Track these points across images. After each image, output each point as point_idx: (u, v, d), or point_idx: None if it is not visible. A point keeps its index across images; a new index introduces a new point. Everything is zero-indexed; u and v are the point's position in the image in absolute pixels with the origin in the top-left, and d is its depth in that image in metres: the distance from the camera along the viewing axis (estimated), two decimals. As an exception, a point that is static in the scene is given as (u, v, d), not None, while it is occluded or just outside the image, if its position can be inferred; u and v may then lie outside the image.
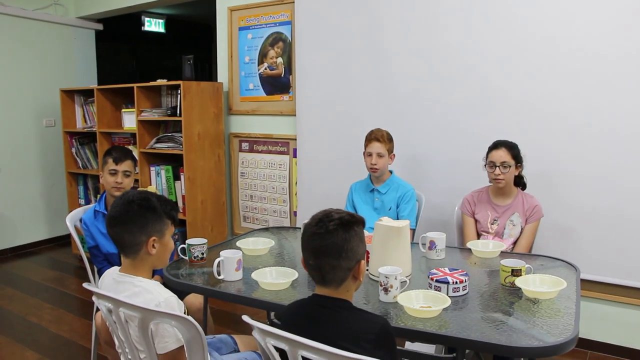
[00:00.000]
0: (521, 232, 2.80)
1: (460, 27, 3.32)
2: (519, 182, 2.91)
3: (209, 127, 4.29)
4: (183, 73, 4.33)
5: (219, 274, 2.16)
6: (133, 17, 6.90)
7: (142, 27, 7.81)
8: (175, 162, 4.30)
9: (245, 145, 4.49)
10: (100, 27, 6.09)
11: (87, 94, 5.07)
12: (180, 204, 4.23)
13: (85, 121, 5.06)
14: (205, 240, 2.41)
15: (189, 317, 1.57)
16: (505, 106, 3.22)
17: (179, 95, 4.13)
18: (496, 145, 2.81)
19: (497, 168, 2.75)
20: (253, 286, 2.08)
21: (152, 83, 4.35)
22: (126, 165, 2.84)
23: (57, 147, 5.40)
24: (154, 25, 7.97)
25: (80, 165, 5.06)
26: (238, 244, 2.59)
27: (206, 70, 8.24)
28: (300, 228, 2.95)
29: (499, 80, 3.23)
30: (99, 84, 5.71)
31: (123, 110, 4.60)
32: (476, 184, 3.02)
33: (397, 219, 2.99)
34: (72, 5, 5.81)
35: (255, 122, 4.42)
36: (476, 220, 2.91)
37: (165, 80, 4.32)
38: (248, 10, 4.34)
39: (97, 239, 2.75)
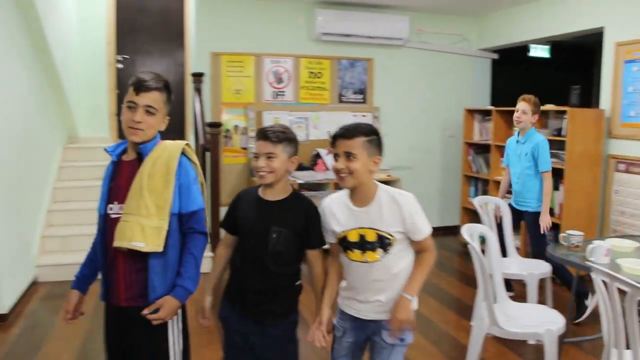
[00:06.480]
0: None
1: None
2: None
3: (588, 148, 4.98)
4: (570, 100, 5.12)
5: (590, 256, 2.98)
6: (521, 44, 7.86)
7: (527, 53, 8.73)
8: (556, 175, 5.11)
9: (621, 167, 5.03)
10: (495, 56, 7.25)
11: (483, 112, 6.29)
12: (557, 210, 5.06)
13: (481, 135, 6.28)
14: (582, 233, 3.25)
15: None
16: None
17: (564, 120, 4.95)
18: None
19: None
20: (615, 269, 2.83)
21: (541, 108, 5.25)
22: (149, 99, 2.06)
23: (456, 154, 6.81)
24: (539, 51, 8.81)
25: (474, 169, 6.32)
26: (606, 240, 3.33)
27: (588, 93, 8.69)
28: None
29: None
30: (492, 105, 6.88)
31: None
32: None
33: (534, 162, 4.18)
34: (475, 40, 7.10)
35: (634, 147, 4.93)
36: None
37: (552, 106, 5.19)
38: (635, 45, 4.87)
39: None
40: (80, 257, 2.30)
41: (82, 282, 2.24)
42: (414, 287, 2.09)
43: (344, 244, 2.13)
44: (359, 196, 2.10)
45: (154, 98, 2.05)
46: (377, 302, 2.13)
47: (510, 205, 4.35)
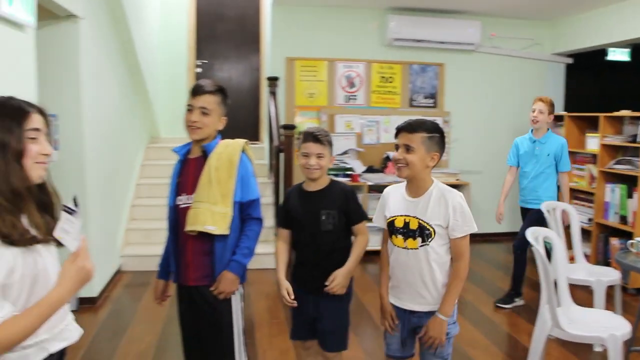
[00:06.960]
0: None
1: None
2: None
3: (666, 155, 4.86)
4: (647, 106, 5.00)
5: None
6: (598, 48, 7.67)
7: (605, 57, 8.48)
8: (630, 182, 5.02)
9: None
10: (570, 61, 7.11)
11: (555, 118, 6.16)
12: (630, 219, 4.95)
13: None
14: (648, 240, 3.24)
15: None
16: None
17: (639, 126, 4.85)
18: None
19: None
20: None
21: (615, 113, 5.17)
22: (203, 101, 2.34)
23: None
24: (618, 54, 8.53)
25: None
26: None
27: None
28: None
29: None
30: (565, 110, 6.77)
31: (587, 133, 5.56)
32: None
33: (556, 162, 4.38)
34: (549, 44, 7.00)
35: None
36: None
37: (628, 111, 5.08)
38: None
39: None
40: (160, 249, 2.61)
41: (164, 272, 2.57)
42: (447, 309, 2.21)
43: (391, 228, 2.31)
44: (414, 187, 2.27)
45: (208, 100, 2.33)
46: (416, 293, 2.27)
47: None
